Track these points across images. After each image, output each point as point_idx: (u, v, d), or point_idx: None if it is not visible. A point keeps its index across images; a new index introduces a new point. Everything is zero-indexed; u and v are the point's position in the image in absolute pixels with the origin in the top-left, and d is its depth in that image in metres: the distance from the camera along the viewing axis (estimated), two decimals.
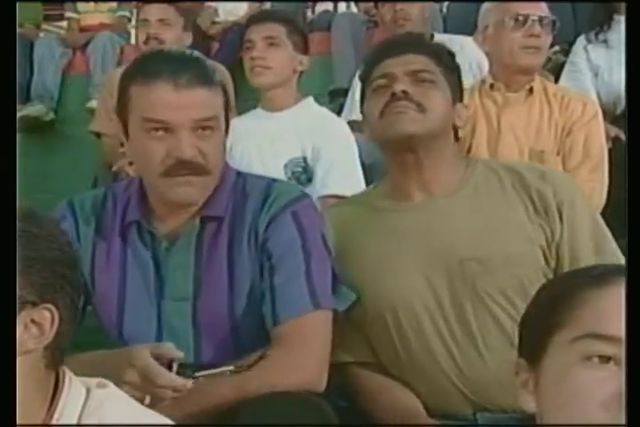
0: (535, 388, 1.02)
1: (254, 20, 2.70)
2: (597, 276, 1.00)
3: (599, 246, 1.58)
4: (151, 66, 1.52)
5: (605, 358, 0.94)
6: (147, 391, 1.33)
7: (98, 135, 3.58)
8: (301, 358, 1.46)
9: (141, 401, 1.30)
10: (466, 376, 1.54)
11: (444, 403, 1.56)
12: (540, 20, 2.43)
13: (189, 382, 1.33)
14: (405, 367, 1.60)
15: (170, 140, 1.48)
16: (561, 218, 1.56)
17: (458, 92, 1.68)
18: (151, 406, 1.30)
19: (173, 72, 1.48)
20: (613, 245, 1.60)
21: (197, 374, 1.36)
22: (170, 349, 1.36)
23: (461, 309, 1.55)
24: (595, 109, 2.48)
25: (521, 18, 2.41)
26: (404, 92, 1.59)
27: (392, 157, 1.66)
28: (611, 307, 0.96)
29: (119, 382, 1.28)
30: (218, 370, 1.38)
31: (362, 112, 1.70)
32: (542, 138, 2.42)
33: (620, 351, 0.93)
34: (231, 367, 1.39)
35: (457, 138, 1.69)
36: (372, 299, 1.61)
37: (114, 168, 2.94)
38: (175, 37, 3.20)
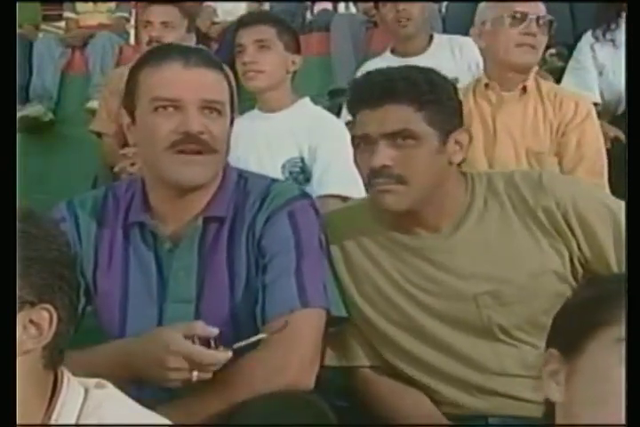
0: (567, 379, 1.02)
1: (243, 23, 2.69)
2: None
3: (617, 239, 1.51)
4: (161, 53, 1.56)
5: None
6: (192, 370, 1.34)
7: (99, 135, 3.58)
8: (286, 357, 1.44)
9: (190, 379, 1.34)
10: (479, 384, 1.55)
11: (458, 407, 1.56)
12: (538, 19, 2.42)
13: (230, 353, 1.34)
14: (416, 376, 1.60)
15: (178, 117, 1.49)
16: (571, 228, 1.52)
17: (449, 123, 1.54)
18: (197, 381, 1.35)
19: (183, 54, 1.52)
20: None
21: (235, 345, 1.36)
22: (203, 328, 1.35)
23: (474, 341, 1.54)
24: (587, 109, 2.45)
25: (519, 15, 2.41)
26: (383, 166, 1.49)
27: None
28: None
29: (164, 370, 1.33)
30: (253, 338, 1.39)
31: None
32: (539, 138, 2.41)
33: None
34: (265, 335, 1.39)
35: (459, 164, 1.60)
36: (377, 314, 1.60)
37: (115, 169, 2.94)
38: (178, 39, 3.16)
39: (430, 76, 1.55)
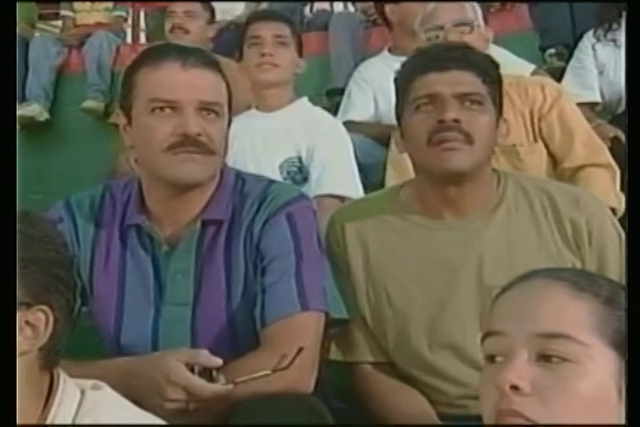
0: None
1: (260, 17, 2.70)
2: (503, 287, 1.07)
3: (622, 270, 1.54)
4: (158, 53, 1.54)
5: (491, 358, 1.00)
6: (189, 402, 1.32)
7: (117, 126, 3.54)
8: (285, 359, 1.41)
9: (186, 410, 1.31)
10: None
11: (457, 407, 1.55)
12: (458, 24, 2.39)
13: (231, 386, 1.32)
14: (418, 371, 1.59)
15: (176, 118, 1.48)
16: (590, 246, 1.55)
17: (499, 106, 1.61)
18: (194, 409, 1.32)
19: (181, 54, 1.51)
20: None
21: (238, 380, 1.33)
22: (207, 358, 1.34)
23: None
24: (556, 90, 2.42)
25: (432, 32, 2.40)
26: (454, 120, 1.51)
27: (430, 183, 1.59)
28: (498, 308, 1.04)
29: (162, 400, 1.30)
30: (257, 374, 1.35)
31: (399, 126, 1.63)
32: (511, 131, 2.38)
33: (505, 343, 0.98)
34: (269, 372, 1.36)
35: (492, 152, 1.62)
36: (392, 310, 1.59)
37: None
38: (199, 29, 3.46)
39: (493, 58, 1.64)
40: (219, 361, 1.33)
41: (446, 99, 1.53)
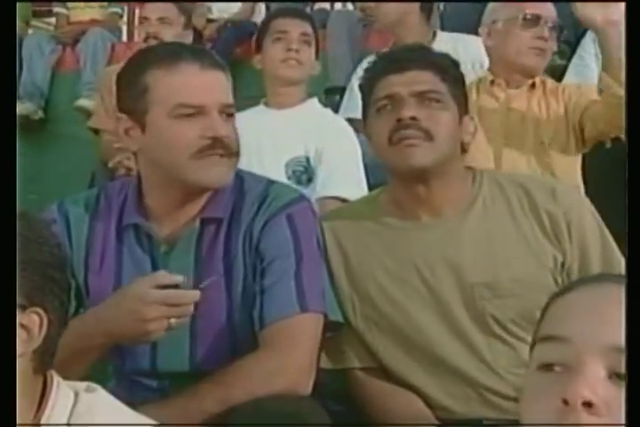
0: None
1: (287, 13, 2.69)
2: (566, 286, 0.99)
3: (607, 260, 1.56)
4: (170, 53, 1.51)
5: (546, 366, 0.87)
6: (170, 317, 1.34)
7: (96, 132, 3.53)
8: (283, 361, 1.43)
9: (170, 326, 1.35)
10: (475, 385, 1.54)
11: (453, 410, 1.55)
12: (550, 23, 2.40)
13: (198, 292, 1.36)
14: (412, 374, 1.59)
15: (202, 121, 1.47)
16: (570, 238, 1.55)
17: (463, 104, 1.63)
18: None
19: (196, 56, 1.49)
20: (618, 255, 1.57)
21: (201, 285, 1.39)
22: (166, 276, 1.36)
23: (469, 330, 1.55)
24: (591, 89, 2.40)
25: (532, 18, 2.39)
26: (411, 118, 1.54)
27: (400, 184, 1.61)
28: (564, 310, 0.91)
29: (143, 323, 1.33)
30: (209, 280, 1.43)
31: (365, 128, 1.67)
32: (540, 129, 2.39)
33: (570, 351, 0.85)
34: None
35: (464, 150, 1.65)
36: (377, 313, 1.59)
37: (110, 164, 2.91)
38: (175, 36, 3.17)
39: (453, 58, 1.66)
40: (179, 277, 1.35)
41: (404, 98, 1.56)
